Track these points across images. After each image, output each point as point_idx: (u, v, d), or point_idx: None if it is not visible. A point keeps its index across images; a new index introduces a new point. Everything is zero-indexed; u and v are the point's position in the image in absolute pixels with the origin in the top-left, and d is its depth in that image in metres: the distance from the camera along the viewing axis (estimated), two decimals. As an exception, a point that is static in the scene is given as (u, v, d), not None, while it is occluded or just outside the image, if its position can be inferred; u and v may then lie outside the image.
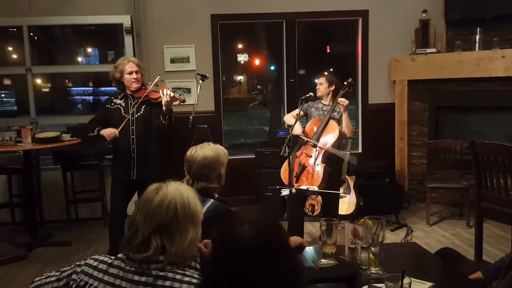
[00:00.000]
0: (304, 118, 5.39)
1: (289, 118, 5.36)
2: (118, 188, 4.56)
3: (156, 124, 4.52)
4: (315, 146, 5.04)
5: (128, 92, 4.54)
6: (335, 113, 5.19)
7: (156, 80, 4.61)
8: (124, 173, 4.48)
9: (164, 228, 1.69)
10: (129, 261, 1.70)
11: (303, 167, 4.96)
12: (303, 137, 5.08)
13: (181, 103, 4.59)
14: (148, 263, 1.67)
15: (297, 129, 5.02)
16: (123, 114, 4.44)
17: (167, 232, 1.69)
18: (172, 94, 4.41)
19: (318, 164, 4.96)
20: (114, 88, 4.71)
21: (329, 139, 5.05)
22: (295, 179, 4.81)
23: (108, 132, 4.36)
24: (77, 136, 5.50)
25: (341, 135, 5.13)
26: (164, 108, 4.41)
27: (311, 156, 5.04)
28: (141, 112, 4.47)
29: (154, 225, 1.69)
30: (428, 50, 6.56)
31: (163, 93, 4.39)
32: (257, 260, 1.35)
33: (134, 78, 4.48)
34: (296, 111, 5.19)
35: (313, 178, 4.92)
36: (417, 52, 6.62)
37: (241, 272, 1.35)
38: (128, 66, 4.47)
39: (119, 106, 4.49)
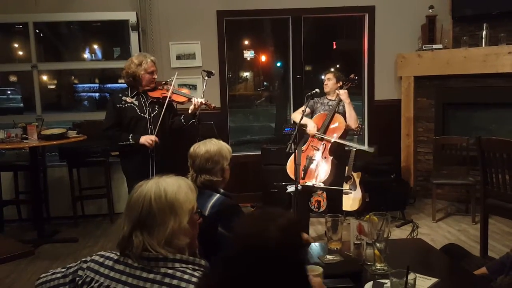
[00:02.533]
0: (310, 115, 5.41)
1: (297, 116, 5.37)
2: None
3: (170, 124, 4.56)
4: (322, 139, 5.06)
5: (140, 90, 4.50)
6: (341, 107, 5.22)
7: (174, 81, 4.61)
8: (144, 171, 4.39)
9: (141, 223, 1.67)
10: (136, 258, 1.68)
11: (310, 160, 4.98)
12: (318, 134, 5.11)
13: (210, 110, 4.68)
14: (157, 260, 1.65)
15: (312, 129, 5.07)
16: (138, 113, 4.41)
17: (144, 226, 1.67)
18: (203, 101, 4.46)
19: (325, 157, 4.99)
20: (119, 85, 4.68)
21: (335, 132, 5.09)
22: (302, 172, 4.82)
23: (149, 140, 4.33)
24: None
25: (347, 129, 5.17)
26: (190, 111, 4.48)
27: (318, 149, 5.06)
28: (156, 111, 4.46)
29: (132, 221, 1.68)
30: (435, 46, 6.54)
31: (192, 100, 4.46)
32: (271, 265, 1.33)
33: (154, 78, 4.47)
34: (302, 108, 5.21)
35: (321, 171, 4.94)
36: (424, 48, 6.60)
37: (264, 273, 1.33)
38: (151, 65, 4.43)
39: (131, 104, 4.42)
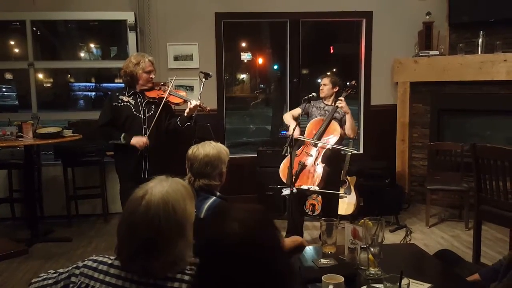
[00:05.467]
0: (305, 117, 5.40)
1: (288, 118, 5.36)
2: (130, 186, 4.50)
3: (166, 125, 4.56)
4: (315, 145, 5.05)
5: (137, 89, 4.51)
6: (337, 114, 5.20)
7: (172, 82, 4.65)
8: (136, 171, 4.42)
9: (149, 245, 1.57)
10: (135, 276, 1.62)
11: (302, 166, 4.97)
12: (302, 138, 5.10)
13: (206, 112, 4.69)
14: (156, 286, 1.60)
15: (295, 132, 5.05)
16: (134, 112, 4.42)
17: (151, 250, 1.57)
18: (198, 103, 4.46)
19: (318, 164, 4.97)
20: (115, 84, 4.69)
21: (330, 139, 5.07)
22: (294, 177, 4.81)
23: (141, 142, 4.34)
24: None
25: (342, 136, 5.15)
26: (186, 114, 4.47)
27: (311, 156, 5.05)
28: (152, 111, 4.47)
29: (137, 243, 1.59)
30: (431, 53, 6.56)
31: (188, 102, 4.46)
32: (243, 259, 1.31)
33: (151, 77, 4.49)
34: (297, 110, 5.22)
35: (312, 177, 4.93)
36: (420, 54, 6.62)
37: (227, 271, 1.30)
38: (149, 65, 4.45)
39: (127, 103, 4.44)
